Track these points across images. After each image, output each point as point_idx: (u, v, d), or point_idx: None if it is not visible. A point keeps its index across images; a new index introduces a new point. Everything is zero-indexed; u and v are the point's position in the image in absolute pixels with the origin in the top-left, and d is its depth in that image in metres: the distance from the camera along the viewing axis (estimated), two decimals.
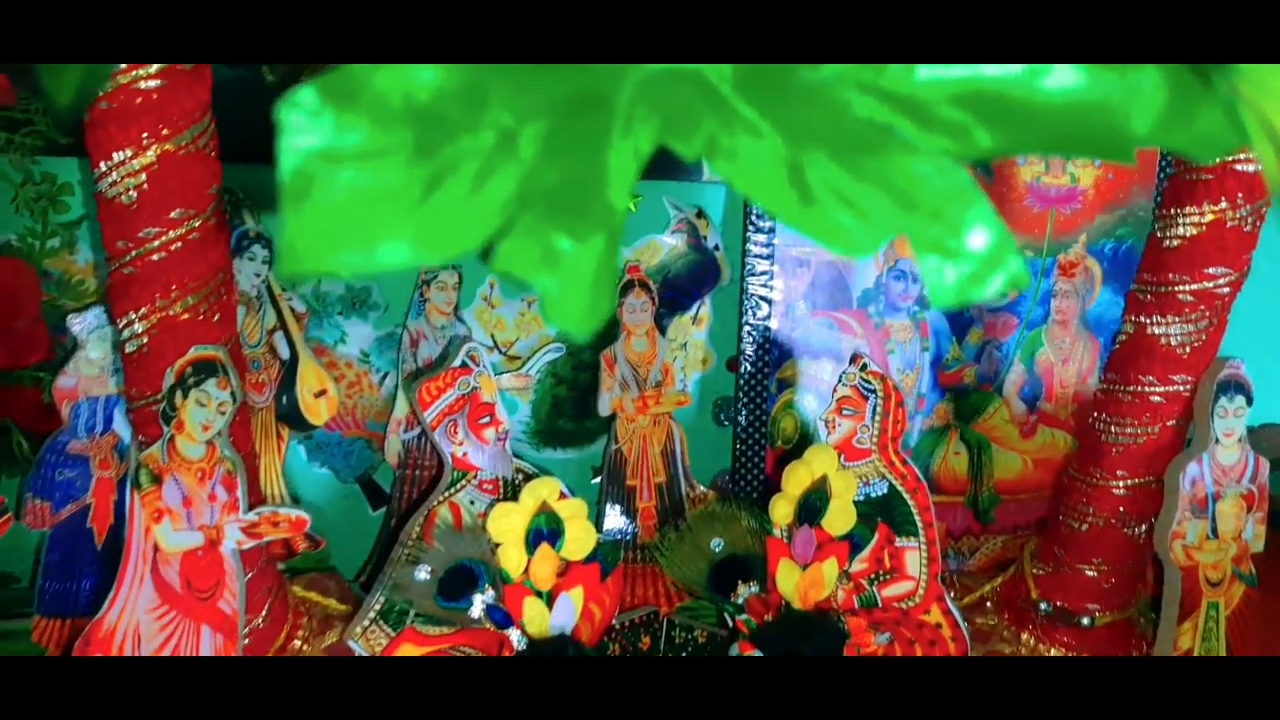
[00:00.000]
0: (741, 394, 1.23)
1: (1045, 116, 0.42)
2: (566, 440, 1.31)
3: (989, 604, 1.13)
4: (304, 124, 0.37)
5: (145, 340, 0.83)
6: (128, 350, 0.84)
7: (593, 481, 1.28)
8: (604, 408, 1.22)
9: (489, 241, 0.40)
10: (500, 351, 1.26)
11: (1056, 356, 1.25)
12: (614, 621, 1.01)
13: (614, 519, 1.22)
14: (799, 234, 0.43)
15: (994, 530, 1.28)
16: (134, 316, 0.82)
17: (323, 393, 1.20)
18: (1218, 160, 0.37)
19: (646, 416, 1.23)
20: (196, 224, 0.82)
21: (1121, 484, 0.99)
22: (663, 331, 1.25)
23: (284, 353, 1.18)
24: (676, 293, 1.26)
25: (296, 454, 1.26)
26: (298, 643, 1.00)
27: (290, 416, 1.19)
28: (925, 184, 0.42)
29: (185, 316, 0.83)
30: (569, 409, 1.29)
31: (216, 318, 0.85)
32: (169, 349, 0.83)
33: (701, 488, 1.26)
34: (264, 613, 0.96)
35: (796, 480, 0.92)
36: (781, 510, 0.92)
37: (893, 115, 0.43)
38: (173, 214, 0.80)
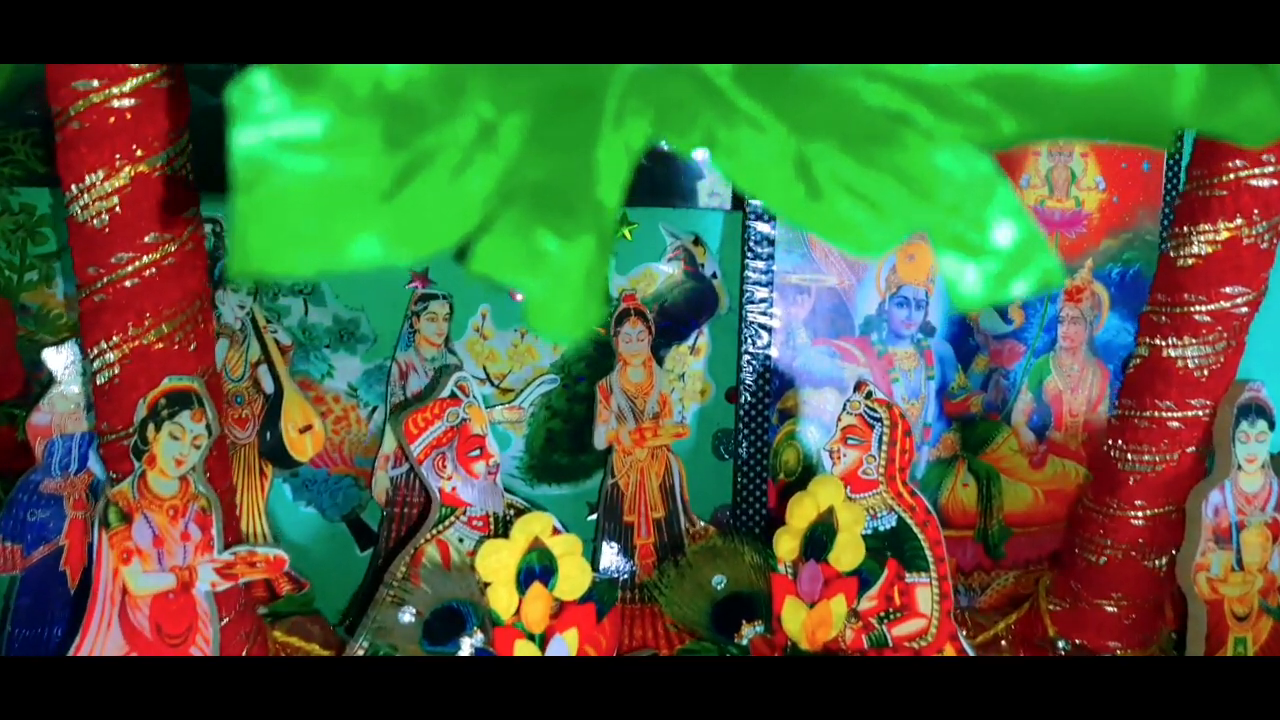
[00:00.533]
0: (742, 425, 1.19)
1: (1075, 99, 0.38)
2: (561, 475, 1.27)
3: (1004, 642, 1.08)
4: (259, 109, 0.34)
5: (117, 370, 0.79)
6: (99, 381, 0.80)
7: (589, 518, 1.23)
8: (600, 441, 1.18)
9: (466, 240, 0.36)
10: (493, 384, 1.23)
11: (1065, 384, 1.22)
12: None
13: (610, 557, 1.17)
14: (807, 231, 0.39)
15: (1005, 565, 1.23)
16: (105, 346, 0.78)
17: (308, 428, 1.16)
18: (1264, 144, 0.34)
19: (644, 449, 1.18)
20: (172, 249, 0.78)
21: (1140, 514, 0.95)
22: (660, 362, 1.21)
23: (268, 387, 1.15)
24: (673, 322, 1.23)
25: (281, 492, 1.22)
26: None
27: (274, 453, 1.15)
28: (944, 175, 0.39)
29: (159, 346, 0.80)
30: (564, 443, 1.25)
31: (193, 347, 0.82)
32: (142, 380, 0.79)
33: (702, 523, 1.22)
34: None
35: (801, 513, 0.88)
36: (786, 545, 0.87)
37: (906, 102, 0.39)
38: (147, 238, 0.77)
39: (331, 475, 1.23)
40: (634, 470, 1.19)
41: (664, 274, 1.22)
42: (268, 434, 1.15)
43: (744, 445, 1.19)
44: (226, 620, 0.90)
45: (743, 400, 1.18)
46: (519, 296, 0.38)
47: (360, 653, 0.86)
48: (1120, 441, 0.96)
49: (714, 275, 1.22)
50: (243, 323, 1.13)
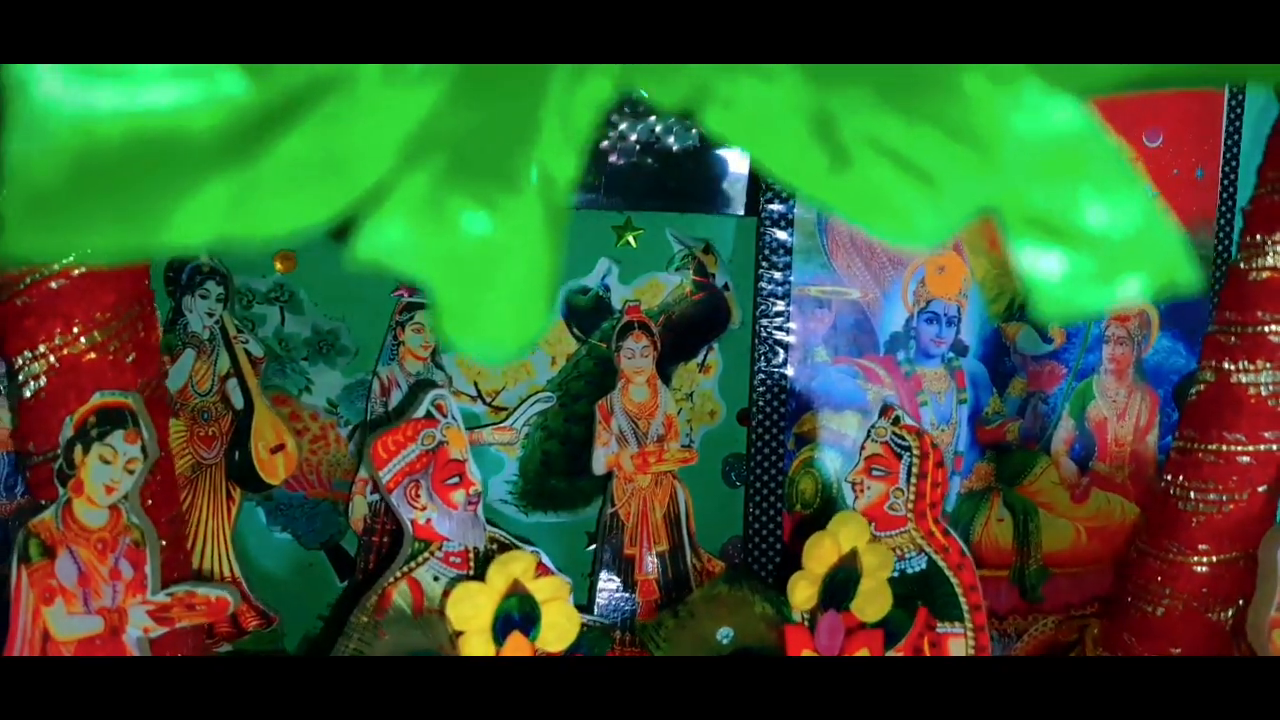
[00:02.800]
0: (754, 451, 1.08)
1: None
2: (558, 502, 1.16)
3: None
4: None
5: (43, 384, 0.70)
6: (24, 396, 0.71)
7: (588, 548, 1.13)
8: (599, 465, 1.08)
9: (348, 214, 0.26)
10: (484, 402, 1.13)
11: (1110, 411, 1.11)
12: None
13: (609, 594, 1.07)
14: (831, 211, 0.28)
15: (1043, 609, 1.12)
16: (30, 356, 0.69)
17: (280, 448, 1.07)
18: None
19: (647, 476, 1.08)
20: None
21: (1204, 560, 0.85)
22: (666, 380, 1.11)
23: (238, 402, 1.05)
24: (681, 337, 1.13)
25: (255, 517, 1.12)
26: None
27: (242, 475, 1.06)
28: (1018, 132, 0.29)
29: (91, 356, 0.70)
30: (560, 466, 1.15)
31: (130, 358, 0.72)
32: (71, 395, 0.70)
33: (710, 557, 1.12)
34: None
35: (820, 555, 0.77)
36: (803, 592, 0.77)
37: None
38: None
39: (309, 499, 1.13)
40: (636, 498, 1.09)
41: (671, 284, 1.12)
42: (236, 454, 1.06)
43: (756, 473, 1.08)
44: None
45: (755, 423, 1.08)
46: (403, 292, 0.27)
47: None
48: (1181, 478, 0.85)
49: (725, 286, 1.12)
50: (211, 332, 1.04)
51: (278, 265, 1.04)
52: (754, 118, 0.30)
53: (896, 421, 0.87)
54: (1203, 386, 0.85)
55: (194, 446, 1.06)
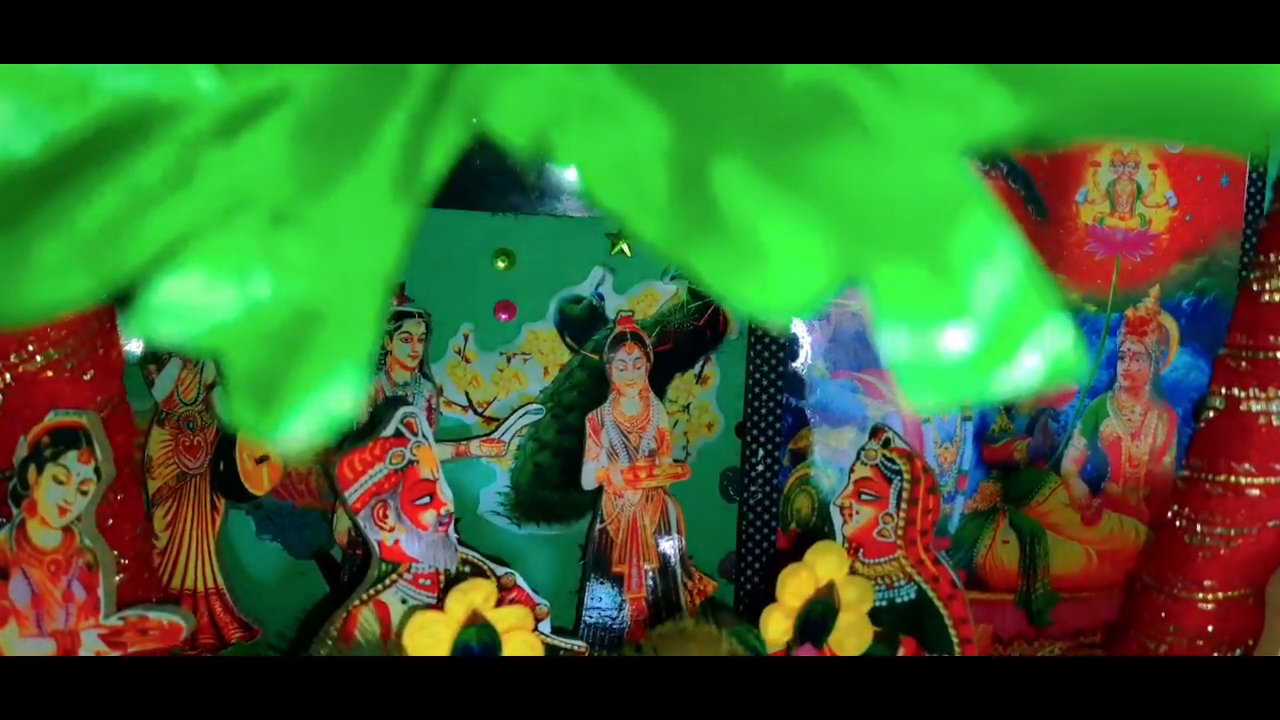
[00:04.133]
0: (748, 467, 1.05)
1: (1113, 76, 0.25)
2: (551, 514, 1.14)
3: None
4: None
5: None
6: None
7: (581, 561, 1.11)
8: (588, 480, 1.05)
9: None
10: (476, 412, 1.11)
11: (1125, 429, 1.06)
12: None
13: (597, 613, 1.04)
14: (697, 275, 0.25)
15: (1051, 635, 1.08)
16: None
17: (265, 458, 1.05)
18: None
19: (637, 491, 1.05)
20: None
21: (1209, 598, 0.80)
22: (660, 394, 1.08)
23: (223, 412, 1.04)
24: (675, 348, 1.10)
25: (244, 525, 1.11)
26: None
27: (227, 485, 1.05)
28: (895, 192, 0.25)
29: (48, 374, 0.69)
30: (553, 478, 1.13)
31: (89, 375, 0.71)
32: (27, 413, 0.68)
33: (702, 576, 1.09)
34: None
35: (795, 588, 0.74)
36: (777, 625, 0.74)
37: (852, 78, 0.26)
38: None
39: (298, 508, 1.12)
40: (625, 514, 1.06)
41: (667, 293, 1.08)
42: (221, 464, 1.05)
43: (750, 489, 1.05)
44: None
45: (749, 439, 1.05)
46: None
47: None
48: (1187, 510, 0.80)
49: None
50: None
51: None
52: (609, 165, 0.26)
53: (887, 444, 0.83)
54: (1211, 413, 0.80)
55: (179, 456, 1.05)
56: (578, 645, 0.91)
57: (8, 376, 0.68)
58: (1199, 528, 0.79)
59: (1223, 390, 0.78)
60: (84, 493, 0.69)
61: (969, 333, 0.24)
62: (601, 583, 1.05)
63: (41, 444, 0.68)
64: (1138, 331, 1.04)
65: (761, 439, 1.04)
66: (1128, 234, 1.02)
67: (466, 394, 1.10)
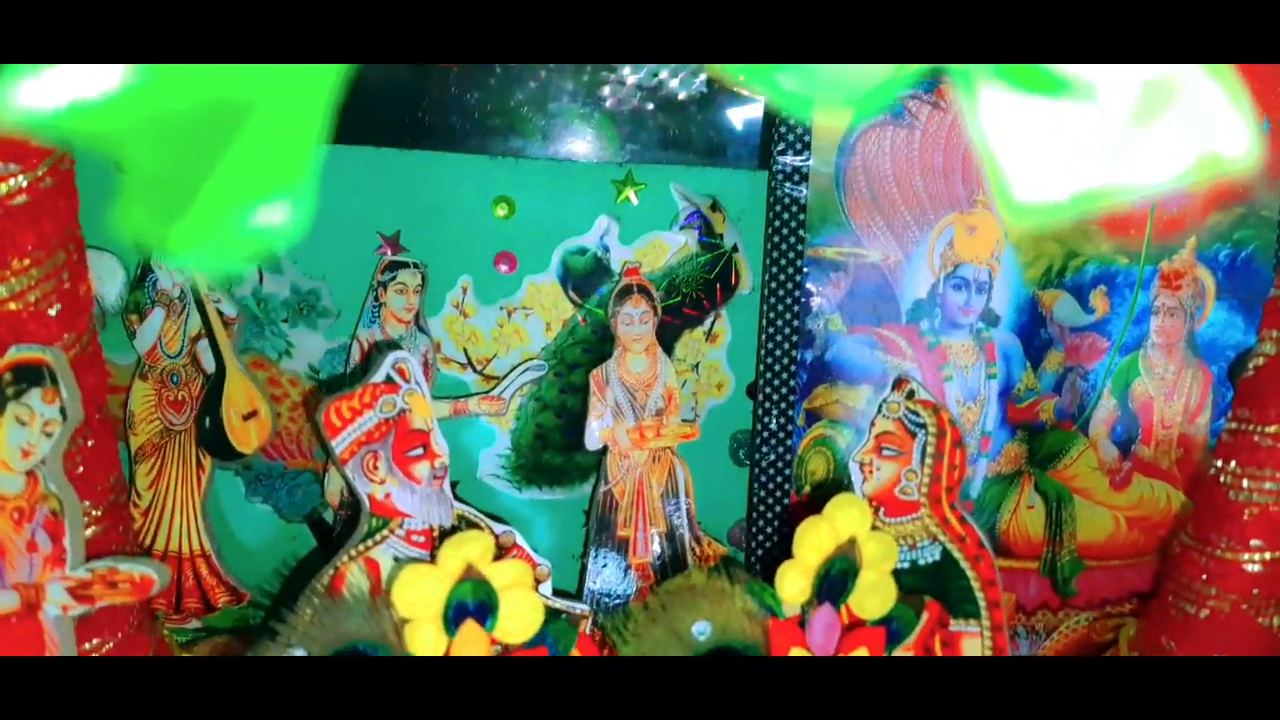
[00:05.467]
0: (760, 427, 1.00)
1: None
2: (554, 477, 1.09)
3: None
4: None
5: None
6: None
7: (585, 526, 1.06)
8: (593, 440, 1.00)
9: None
10: (475, 369, 1.06)
11: (1157, 389, 1.00)
12: None
13: (601, 579, 1.00)
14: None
15: (1077, 604, 1.03)
16: None
17: (253, 414, 1.01)
18: None
19: (643, 451, 1.00)
20: (23, 182, 0.62)
21: (1257, 557, 0.75)
22: (669, 350, 1.03)
23: (209, 365, 0.99)
24: (685, 302, 1.04)
25: (233, 487, 1.07)
26: None
27: (213, 442, 1.00)
28: None
29: (11, 305, 0.64)
30: (556, 440, 1.08)
31: (54, 310, 0.66)
32: None
33: (711, 540, 1.04)
34: None
35: (814, 543, 0.68)
36: (794, 584, 0.68)
37: None
38: None
39: (289, 469, 1.07)
40: (631, 476, 1.01)
41: (675, 245, 1.03)
42: (206, 419, 1.00)
43: (762, 451, 1.00)
44: (109, 644, 0.75)
45: (762, 397, 0.99)
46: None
47: None
48: (1233, 464, 0.75)
49: (735, 248, 1.03)
50: (182, 290, 0.98)
51: None
52: None
53: (910, 395, 0.78)
54: (1261, 360, 0.75)
55: (162, 411, 1.00)
56: (580, 608, 0.86)
57: None
58: (1246, 483, 0.74)
59: (1274, 334, 0.73)
60: (48, 434, 0.64)
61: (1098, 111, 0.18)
62: (605, 546, 1.01)
63: (3, 381, 0.63)
64: (1172, 286, 0.99)
65: (774, 397, 0.99)
66: None
67: (465, 350, 1.05)
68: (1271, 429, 0.73)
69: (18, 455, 0.63)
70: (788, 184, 0.96)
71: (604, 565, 1.00)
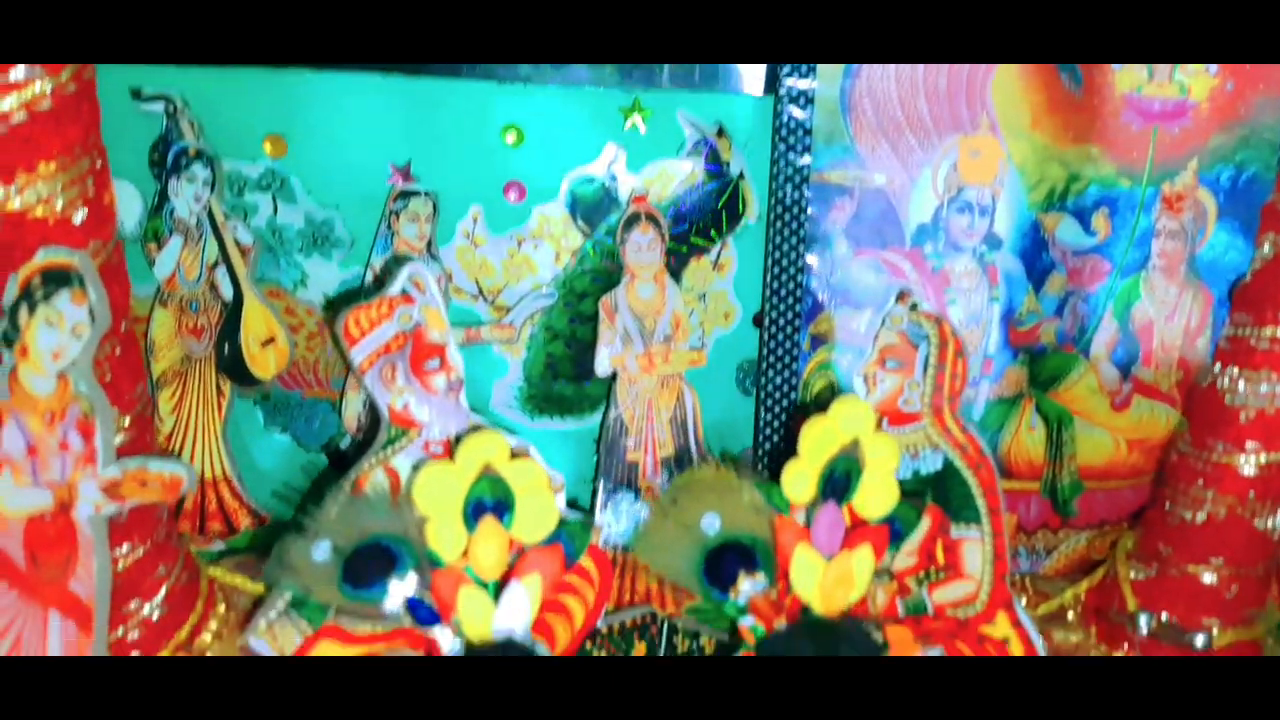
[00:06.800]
0: (767, 352, 1.02)
1: None
2: (565, 407, 1.12)
3: (1071, 615, 0.91)
4: None
5: None
6: None
7: (595, 456, 1.08)
8: (602, 366, 1.03)
9: None
10: (485, 299, 1.07)
11: (1158, 311, 1.02)
12: (600, 625, 0.82)
13: (611, 499, 1.02)
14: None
15: (1076, 524, 1.06)
16: None
17: (270, 341, 1.03)
18: None
19: (652, 376, 1.02)
20: (47, 86, 0.64)
21: (1252, 460, 0.76)
22: (676, 277, 1.04)
23: (227, 293, 1.01)
24: (693, 231, 1.06)
25: (253, 416, 1.09)
26: (207, 637, 0.83)
27: (232, 368, 1.03)
28: None
29: (39, 211, 0.66)
30: (567, 369, 1.10)
31: (80, 217, 0.68)
32: (16, 254, 0.65)
33: (719, 462, 1.06)
34: (157, 599, 0.78)
35: (818, 442, 0.71)
36: (797, 481, 0.71)
37: None
38: (10, 75, 0.62)
39: (306, 398, 1.10)
40: (640, 401, 1.03)
41: (682, 174, 1.04)
42: (225, 346, 1.02)
43: (768, 375, 1.02)
44: (141, 550, 0.77)
45: (769, 322, 1.01)
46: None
47: (288, 597, 0.72)
48: (1231, 367, 0.77)
49: (740, 175, 1.04)
50: (199, 218, 1.00)
51: (266, 148, 0.99)
52: None
53: (913, 308, 0.80)
54: (1260, 264, 0.76)
55: (182, 338, 1.02)
56: (594, 521, 0.88)
57: None
58: (1242, 387, 0.76)
59: (1272, 236, 0.74)
60: (78, 337, 0.66)
61: None
62: (615, 469, 1.03)
63: (33, 285, 0.65)
64: (1174, 208, 1.00)
65: (780, 321, 1.01)
66: (1165, 103, 0.97)
67: (476, 281, 1.07)
68: (1268, 332, 0.75)
69: (48, 357, 0.65)
70: (793, 107, 0.97)
71: (613, 487, 1.03)
